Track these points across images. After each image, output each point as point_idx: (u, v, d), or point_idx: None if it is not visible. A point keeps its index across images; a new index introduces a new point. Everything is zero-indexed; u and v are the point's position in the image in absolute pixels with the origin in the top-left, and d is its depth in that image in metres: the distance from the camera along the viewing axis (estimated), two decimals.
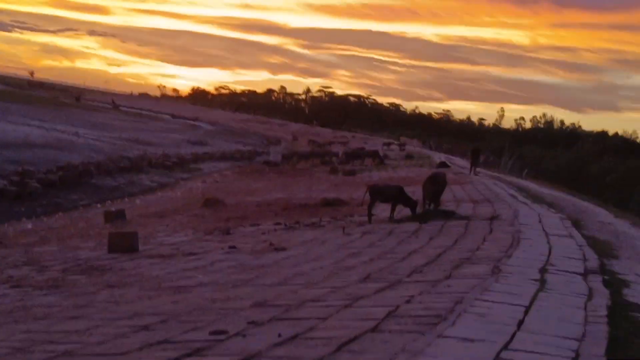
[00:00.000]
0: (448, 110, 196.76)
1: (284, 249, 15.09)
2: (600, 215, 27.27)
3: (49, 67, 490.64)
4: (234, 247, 15.85)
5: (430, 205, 20.87)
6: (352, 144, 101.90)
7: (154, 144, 76.39)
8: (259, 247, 15.65)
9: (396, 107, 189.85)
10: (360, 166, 55.17)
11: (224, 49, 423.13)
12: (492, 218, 19.07)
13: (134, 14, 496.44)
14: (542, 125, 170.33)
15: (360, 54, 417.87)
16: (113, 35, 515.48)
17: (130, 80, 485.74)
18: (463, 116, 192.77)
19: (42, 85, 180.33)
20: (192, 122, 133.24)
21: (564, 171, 51.08)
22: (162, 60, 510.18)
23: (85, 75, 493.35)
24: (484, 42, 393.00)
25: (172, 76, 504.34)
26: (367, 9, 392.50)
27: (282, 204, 27.83)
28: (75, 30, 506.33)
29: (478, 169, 44.00)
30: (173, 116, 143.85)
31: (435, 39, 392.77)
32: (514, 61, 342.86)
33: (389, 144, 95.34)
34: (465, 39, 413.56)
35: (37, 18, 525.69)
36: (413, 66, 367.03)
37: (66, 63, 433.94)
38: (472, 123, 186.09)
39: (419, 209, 20.14)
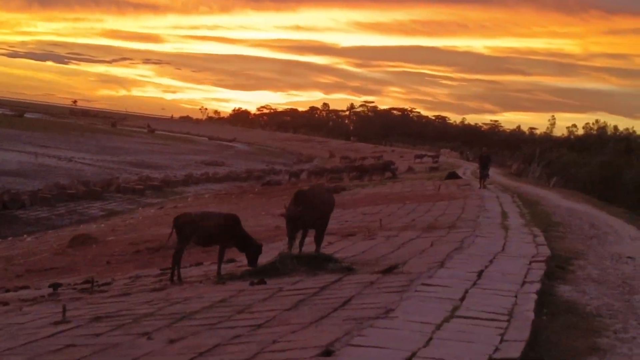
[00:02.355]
0: (496, 121, 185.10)
1: None
2: (624, 241, 17.83)
3: (106, 97, 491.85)
4: None
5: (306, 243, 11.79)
6: (388, 157, 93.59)
7: (160, 166, 68.35)
8: None
9: (442, 119, 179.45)
10: (367, 181, 45.98)
11: (277, 71, 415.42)
12: (388, 270, 9.91)
13: (187, 41, 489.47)
14: (594, 132, 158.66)
15: (412, 70, 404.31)
16: (168, 63, 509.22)
17: (186, 106, 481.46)
18: (515, 127, 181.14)
19: (85, 113, 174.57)
20: (226, 143, 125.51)
21: (597, 178, 40.96)
22: (217, 85, 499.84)
23: (142, 103, 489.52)
24: (534, 52, 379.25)
25: (227, 100, 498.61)
26: (417, 24, 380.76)
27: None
28: (130, 59, 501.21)
29: (488, 180, 34.40)
30: (210, 138, 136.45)
31: (485, 52, 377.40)
32: (566, 70, 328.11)
33: (421, 157, 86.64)
34: (515, 50, 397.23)
35: (92, 49, 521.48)
36: (465, 80, 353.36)
37: (122, 92, 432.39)
38: (522, 132, 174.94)
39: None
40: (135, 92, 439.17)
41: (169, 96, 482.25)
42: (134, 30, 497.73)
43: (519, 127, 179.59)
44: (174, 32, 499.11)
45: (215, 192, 48.46)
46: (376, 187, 38.90)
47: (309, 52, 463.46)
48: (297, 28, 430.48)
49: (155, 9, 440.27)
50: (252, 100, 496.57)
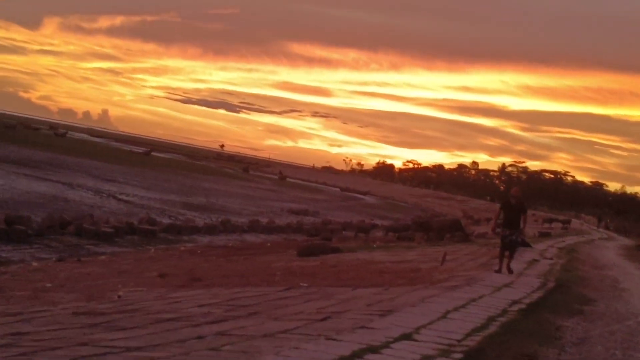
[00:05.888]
0: None
1: None
2: None
3: (272, 147, 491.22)
4: None
5: None
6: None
7: (225, 211, 56.27)
8: None
9: (599, 185, 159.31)
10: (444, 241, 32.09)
11: (442, 131, 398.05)
12: None
13: (355, 96, 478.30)
14: None
15: (581, 137, 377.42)
16: (335, 117, 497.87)
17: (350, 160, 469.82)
18: None
19: (231, 158, 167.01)
20: (355, 195, 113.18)
21: None
22: (381, 141, 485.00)
23: (308, 154, 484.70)
24: None
25: (391, 157, 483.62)
26: (588, 91, 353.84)
27: None
28: (299, 111, 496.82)
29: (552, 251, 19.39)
30: (342, 189, 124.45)
31: None
32: None
33: (550, 221, 72.45)
34: None
35: (263, 99, 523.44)
36: (636, 150, 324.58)
37: (289, 143, 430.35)
38: None
39: None
40: (302, 143, 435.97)
41: (334, 150, 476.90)
42: (304, 83, 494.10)
43: None
44: (344, 87, 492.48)
45: (227, 243, 35.67)
46: (387, 251, 24.80)
47: (477, 113, 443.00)
48: (466, 89, 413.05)
49: (327, 63, 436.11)
50: (416, 158, 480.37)
